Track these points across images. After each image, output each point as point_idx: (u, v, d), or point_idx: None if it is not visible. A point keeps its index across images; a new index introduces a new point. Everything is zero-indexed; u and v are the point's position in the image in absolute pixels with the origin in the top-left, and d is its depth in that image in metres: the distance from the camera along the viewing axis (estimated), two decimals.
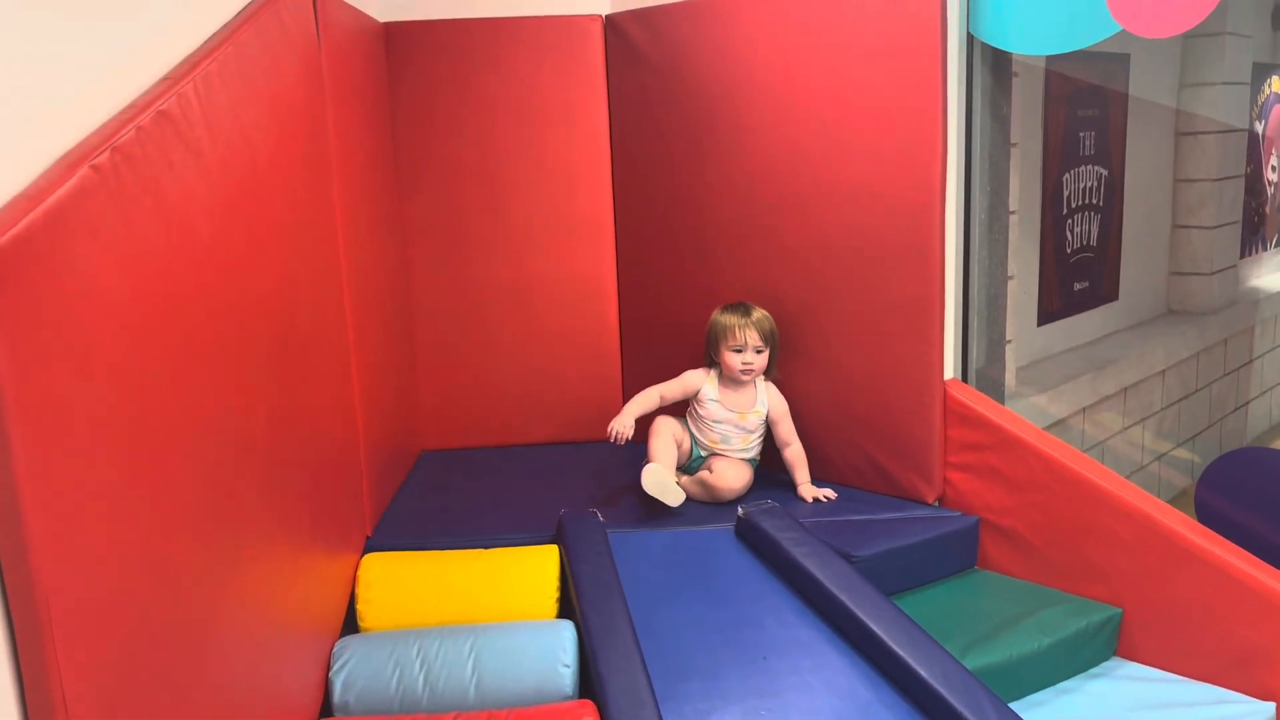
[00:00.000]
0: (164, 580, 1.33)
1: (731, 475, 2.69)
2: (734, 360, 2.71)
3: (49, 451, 1.08)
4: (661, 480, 2.57)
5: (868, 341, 2.71)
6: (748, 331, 2.70)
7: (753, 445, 2.81)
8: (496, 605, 2.29)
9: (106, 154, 1.24)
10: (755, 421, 2.77)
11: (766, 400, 2.77)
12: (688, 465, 2.83)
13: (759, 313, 2.74)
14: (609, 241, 3.32)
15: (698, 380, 2.80)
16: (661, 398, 2.80)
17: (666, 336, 3.17)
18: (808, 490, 2.76)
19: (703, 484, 2.69)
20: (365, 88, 2.76)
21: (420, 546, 2.48)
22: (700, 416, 2.80)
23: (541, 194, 3.26)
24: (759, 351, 2.71)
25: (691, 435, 2.83)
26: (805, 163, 2.74)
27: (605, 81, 3.21)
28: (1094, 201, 4.34)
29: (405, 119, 3.15)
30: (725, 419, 2.76)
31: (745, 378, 2.73)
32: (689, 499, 2.66)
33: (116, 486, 1.22)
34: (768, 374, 2.80)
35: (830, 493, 2.76)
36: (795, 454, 2.79)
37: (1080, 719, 2.19)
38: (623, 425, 2.66)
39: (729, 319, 2.73)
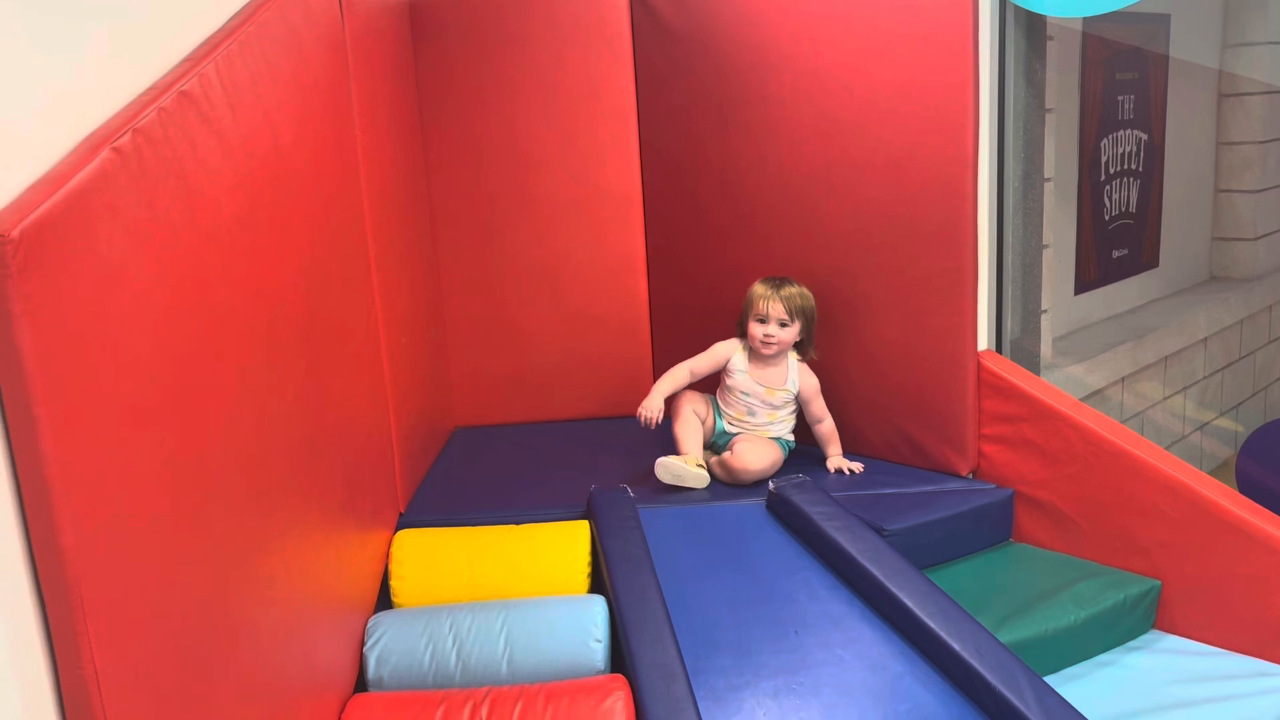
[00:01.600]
0: (196, 558, 1.34)
1: (751, 456, 2.64)
2: (756, 330, 2.68)
3: (76, 434, 1.09)
4: (674, 470, 2.59)
5: (899, 313, 2.68)
6: (772, 304, 2.66)
7: (779, 422, 2.77)
8: (528, 581, 2.30)
9: (128, 136, 1.24)
10: (783, 399, 2.74)
11: (797, 380, 2.74)
12: (711, 442, 2.81)
13: (791, 289, 2.69)
14: (638, 217, 3.30)
15: (727, 350, 2.78)
16: (691, 373, 2.78)
17: (696, 312, 3.15)
18: (835, 462, 2.76)
19: (723, 465, 2.67)
20: (390, 65, 2.75)
21: (452, 523, 2.50)
22: (728, 388, 2.78)
23: (569, 170, 3.25)
24: (783, 325, 2.66)
25: (716, 409, 2.81)
26: (835, 134, 2.71)
27: (631, 55, 3.18)
28: (1133, 166, 4.25)
29: (430, 96, 3.14)
30: (752, 392, 2.74)
31: (765, 350, 2.69)
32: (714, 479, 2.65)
33: (145, 468, 1.23)
34: (804, 355, 2.76)
35: (858, 465, 2.74)
36: (827, 430, 2.77)
37: (1118, 692, 2.17)
38: (651, 409, 2.67)
39: (759, 289, 2.70)
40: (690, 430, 2.70)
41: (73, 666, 1.09)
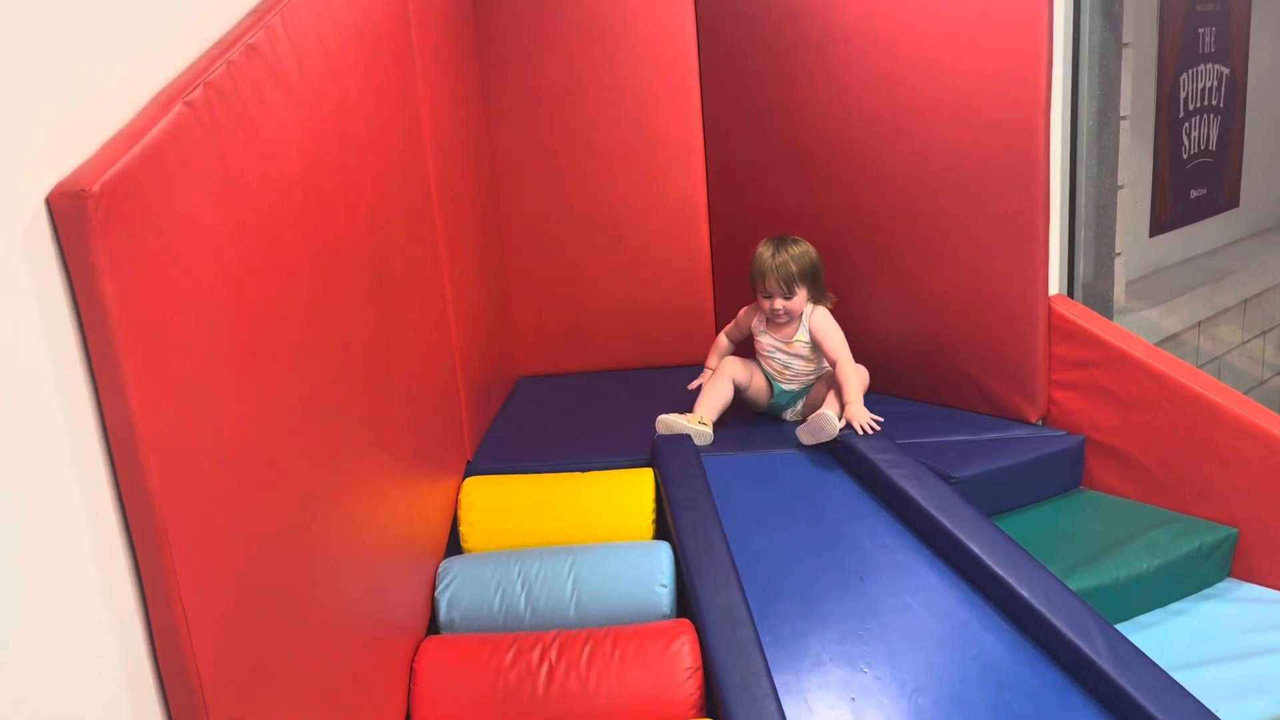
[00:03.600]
0: (274, 503, 1.38)
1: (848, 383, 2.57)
2: (764, 305, 2.68)
3: (159, 383, 1.12)
4: (670, 424, 2.58)
5: (968, 259, 2.63)
6: (771, 281, 2.62)
7: (817, 367, 2.72)
8: (593, 527, 2.33)
9: (200, 90, 1.26)
10: (803, 348, 2.70)
11: (808, 327, 2.68)
12: (771, 405, 2.78)
13: (785, 255, 2.61)
14: (699, 165, 3.27)
15: (748, 317, 2.79)
16: (729, 339, 2.83)
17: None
18: (853, 412, 2.51)
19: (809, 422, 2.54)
20: (450, 18, 2.75)
21: (518, 470, 2.53)
22: (760, 352, 2.77)
23: (630, 119, 3.23)
24: (788, 296, 2.62)
25: (767, 374, 2.77)
26: (902, 76, 2.64)
27: (692, 1, 3.13)
28: (1214, 102, 4.09)
29: (490, 48, 3.13)
30: (777, 348, 2.72)
31: (779, 321, 2.67)
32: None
33: (224, 415, 1.26)
34: (818, 302, 2.69)
35: (875, 423, 2.49)
36: (842, 371, 2.60)
37: (1192, 640, 2.14)
38: (701, 380, 2.78)
39: (758, 264, 2.65)
40: (708, 394, 2.68)
41: (162, 605, 1.14)
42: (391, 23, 2.14)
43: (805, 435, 2.50)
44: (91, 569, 1.08)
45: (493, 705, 1.87)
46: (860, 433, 2.47)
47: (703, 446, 2.52)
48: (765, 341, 2.73)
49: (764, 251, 2.65)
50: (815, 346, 2.68)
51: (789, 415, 2.76)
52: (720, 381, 2.70)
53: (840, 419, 2.47)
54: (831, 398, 2.60)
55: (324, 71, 1.68)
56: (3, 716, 0.95)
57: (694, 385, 2.79)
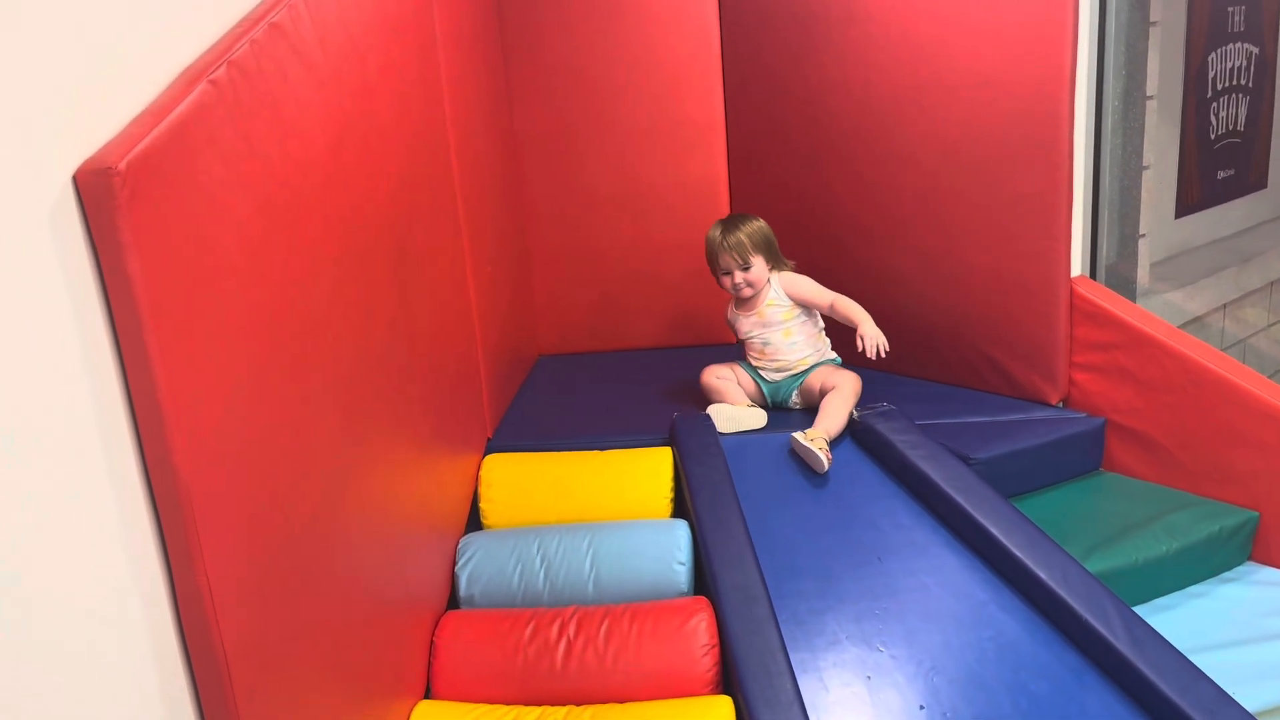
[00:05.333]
0: (298, 476, 1.40)
1: (835, 415, 2.48)
2: (724, 283, 2.68)
3: (184, 359, 1.14)
4: (728, 414, 2.54)
5: (990, 239, 2.62)
6: (724, 258, 2.63)
7: (797, 338, 2.66)
8: (612, 505, 2.35)
9: (223, 68, 1.27)
10: (775, 314, 2.66)
11: (779, 287, 2.66)
12: (773, 399, 2.72)
13: (736, 235, 2.62)
14: (720, 143, 3.26)
15: (728, 310, 2.78)
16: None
17: (780, 237, 3.11)
18: (867, 330, 2.49)
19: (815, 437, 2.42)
20: None
21: (538, 448, 2.55)
22: (741, 342, 2.76)
23: (651, 96, 3.22)
24: (745, 269, 2.62)
25: (753, 372, 2.74)
26: (924, 53, 2.62)
27: None
28: (1242, 82, 4.04)
29: (513, 26, 3.13)
30: (751, 327, 2.70)
31: (745, 295, 2.67)
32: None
33: (247, 390, 1.28)
34: (779, 268, 2.68)
35: (884, 343, 2.48)
36: (844, 307, 2.59)
37: (1211, 623, 2.13)
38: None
39: (709, 245, 2.67)
40: (723, 390, 2.65)
41: (186, 576, 1.16)
42: (414, 1, 2.14)
43: (797, 449, 2.42)
44: (118, 540, 1.10)
45: (511, 679, 1.89)
46: (872, 355, 2.47)
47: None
48: (742, 325, 2.72)
49: (714, 233, 2.67)
50: (793, 308, 2.65)
51: (792, 403, 2.72)
52: (722, 382, 2.68)
53: (827, 457, 2.36)
54: (826, 408, 2.50)
55: (346, 49, 1.68)
56: (33, 682, 0.97)
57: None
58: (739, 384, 2.71)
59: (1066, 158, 2.45)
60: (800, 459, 2.40)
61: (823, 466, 2.34)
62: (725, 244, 2.63)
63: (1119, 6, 2.62)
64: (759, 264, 2.64)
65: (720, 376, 2.71)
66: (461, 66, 2.52)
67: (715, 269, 2.69)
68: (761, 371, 2.72)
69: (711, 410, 2.57)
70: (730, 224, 2.67)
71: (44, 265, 1.01)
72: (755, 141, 3.17)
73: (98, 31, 1.12)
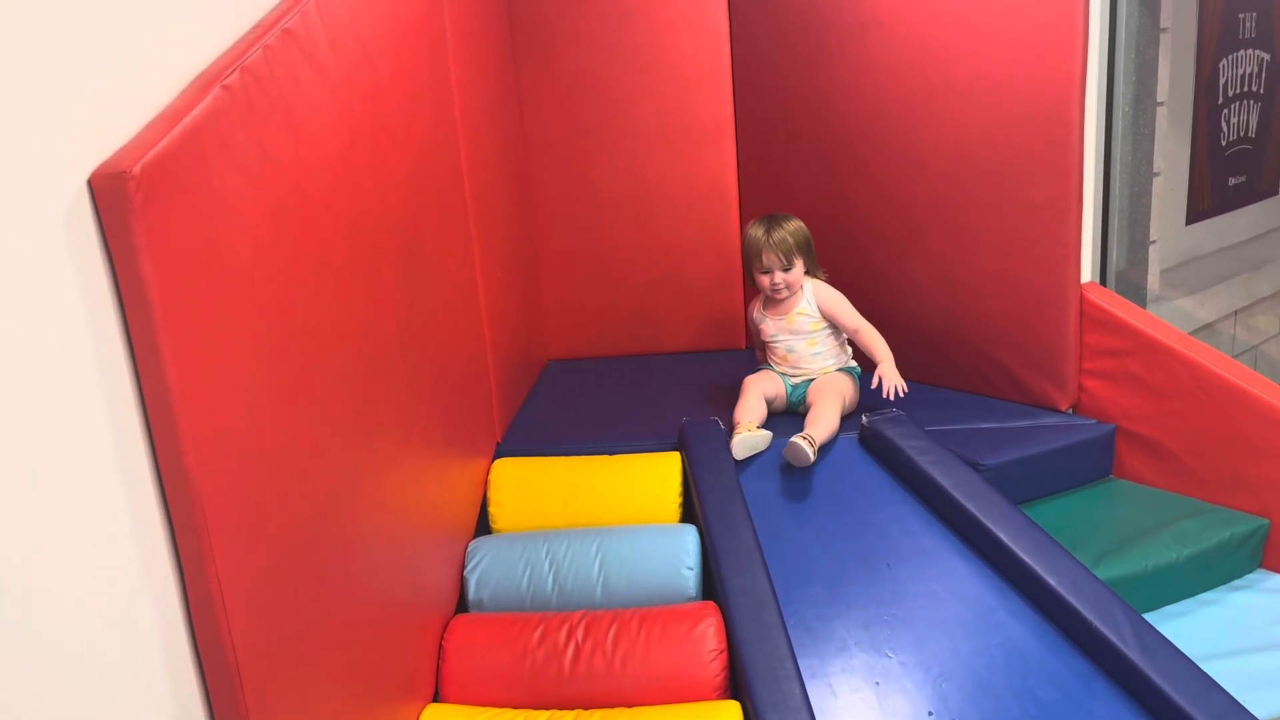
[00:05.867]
0: (308, 480, 1.41)
1: (820, 423, 2.46)
2: (763, 282, 2.67)
3: (197, 361, 1.15)
4: (745, 443, 2.43)
5: (999, 244, 2.61)
6: (768, 255, 2.62)
7: (822, 347, 2.68)
8: (621, 510, 2.35)
9: (236, 74, 1.28)
10: (805, 323, 2.67)
11: (812, 297, 2.67)
12: (792, 404, 2.71)
13: (780, 232, 2.62)
14: (730, 147, 3.27)
15: (753, 309, 2.78)
16: (754, 344, 2.84)
17: None
18: (886, 371, 2.52)
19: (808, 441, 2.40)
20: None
21: (547, 453, 2.55)
22: (764, 344, 2.76)
23: (661, 101, 3.23)
24: (786, 270, 2.62)
25: (777, 372, 2.73)
26: (935, 58, 2.62)
27: None
28: (1254, 89, 4.02)
29: (523, 29, 3.14)
30: (778, 330, 2.70)
31: (779, 297, 2.67)
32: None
33: (258, 393, 1.28)
34: (813, 274, 2.70)
35: (903, 385, 2.50)
36: (867, 337, 2.62)
37: (1221, 631, 2.12)
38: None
39: (751, 242, 2.66)
40: (743, 407, 2.58)
41: (198, 578, 1.16)
42: (425, 5, 2.15)
43: (789, 457, 2.40)
44: (130, 542, 1.11)
45: (519, 683, 1.89)
46: (888, 396, 2.48)
47: (730, 433, 2.52)
48: (767, 328, 2.72)
49: (756, 230, 2.66)
50: (821, 320, 2.66)
51: (804, 408, 2.71)
52: (749, 399, 2.61)
53: (812, 448, 2.37)
54: (820, 406, 2.52)
55: (357, 54, 1.69)
56: (45, 683, 0.98)
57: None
58: (772, 400, 2.66)
59: (1077, 164, 2.45)
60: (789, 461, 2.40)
61: (806, 459, 2.34)
62: (770, 241, 2.62)
63: (1129, 13, 2.61)
64: (799, 266, 2.65)
65: (763, 392, 2.64)
66: (472, 70, 2.53)
67: (753, 266, 2.68)
68: (782, 371, 2.72)
69: (732, 445, 2.43)
70: (773, 222, 2.65)
71: (59, 267, 1.02)
72: (765, 146, 3.17)
73: (113, 38, 1.12)
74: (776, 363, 2.73)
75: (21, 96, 0.98)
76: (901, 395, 2.49)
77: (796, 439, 2.36)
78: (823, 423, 2.46)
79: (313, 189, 1.48)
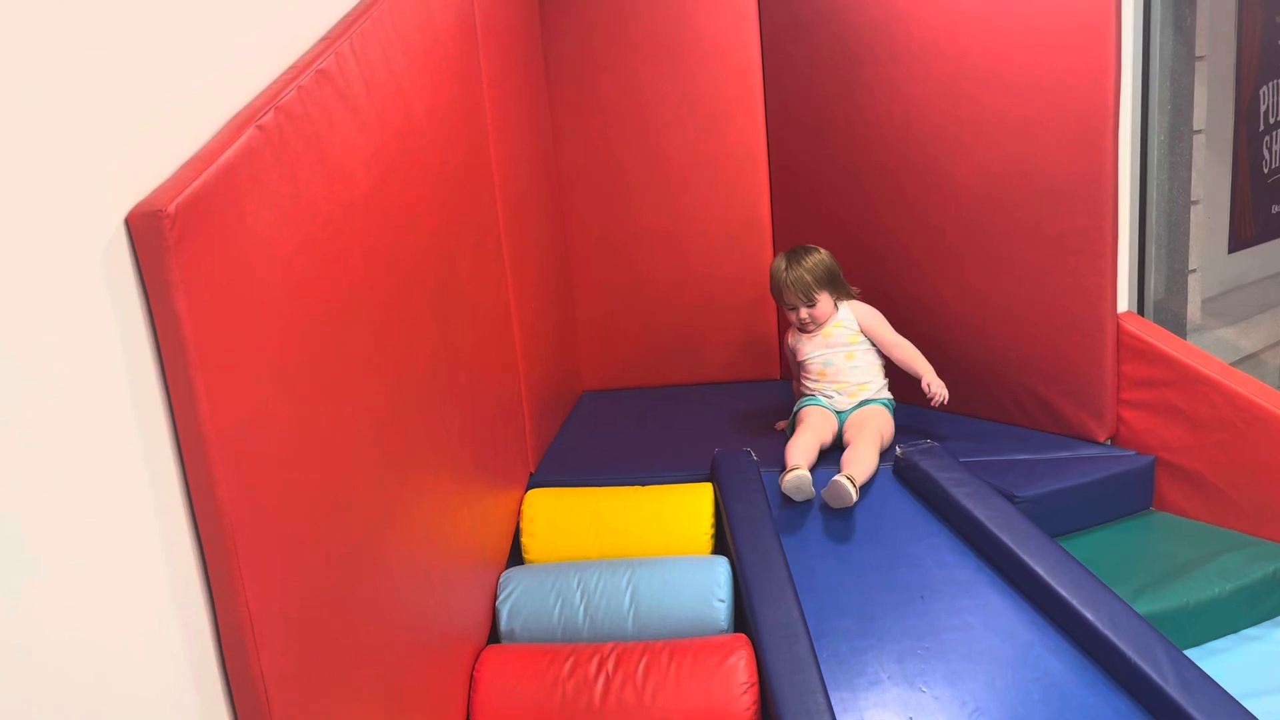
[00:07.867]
0: (340, 511, 1.43)
1: (857, 464, 2.40)
2: (791, 317, 2.73)
3: (230, 396, 1.17)
4: (793, 485, 2.34)
5: (1033, 274, 2.59)
6: (789, 295, 2.68)
7: (859, 362, 2.66)
8: (652, 541, 2.35)
9: (271, 114, 1.31)
10: (843, 334, 2.68)
11: (850, 313, 2.70)
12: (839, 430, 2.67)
13: (798, 270, 2.65)
14: (763, 177, 3.28)
15: (788, 333, 2.80)
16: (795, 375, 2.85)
17: None
18: (931, 380, 2.58)
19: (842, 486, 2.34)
20: (518, 34, 2.80)
21: (580, 483, 2.56)
22: (803, 366, 2.74)
23: (694, 132, 3.25)
24: (810, 305, 2.67)
25: (820, 401, 2.69)
26: (966, 89, 2.62)
27: (756, 13, 3.16)
28: None
29: (557, 62, 3.19)
30: (814, 348, 2.71)
31: (811, 330, 2.70)
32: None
33: (291, 427, 1.30)
34: (845, 298, 2.73)
35: (944, 394, 2.56)
36: (905, 352, 2.66)
37: (1265, 668, 2.07)
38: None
39: (774, 278, 2.72)
40: (797, 448, 2.48)
41: (229, 609, 1.18)
42: (459, 42, 2.19)
43: (829, 499, 2.35)
44: (163, 571, 1.13)
45: (550, 714, 1.89)
46: (937, 405, 2.56)
47: (763, 464, 2.51)
48: (805, 348, 2.73)
49: (779, 266, 2.70)
50: (858, 332, 2.69)
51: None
52: (801, 441, 2.51)
53: (854, 488, 2.32)
54: (859, 445, 2.48)
55: (391, 92, 1.73)
56: (77, 710, 0.99)
57: (781, 426, 2.81)
58: (822, 442, 2.57)
59: (1111, 192, 2.43)
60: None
61: (849, 500, 2.31)
62: (788, 280, 2.66)
63: (1163, 42, 2.60)
64: (824, 299, 2.67)
65: (816, 432, 2.56)
66: (506, 104, 2.57)
67: (779, 301, 2.75)
68: (823, 396, 2.69)
69: (782, 490, 2.38)
70: (793, 258, 2.69)
71: (97, 303, 1.05)
72: (798, 177, 3.18)
73: (151, 80, 1.16)
74: (813, 381, 2.72)
75: (64, 139, 1.02)
76: (944, 403, 2.57)
77: (839, 479, 2.33)
78: (864, 464, 2.43)
79: (345, 224, 1.51)
